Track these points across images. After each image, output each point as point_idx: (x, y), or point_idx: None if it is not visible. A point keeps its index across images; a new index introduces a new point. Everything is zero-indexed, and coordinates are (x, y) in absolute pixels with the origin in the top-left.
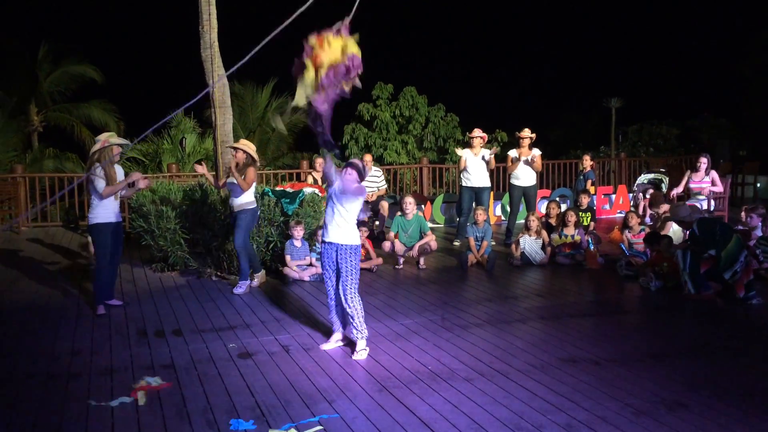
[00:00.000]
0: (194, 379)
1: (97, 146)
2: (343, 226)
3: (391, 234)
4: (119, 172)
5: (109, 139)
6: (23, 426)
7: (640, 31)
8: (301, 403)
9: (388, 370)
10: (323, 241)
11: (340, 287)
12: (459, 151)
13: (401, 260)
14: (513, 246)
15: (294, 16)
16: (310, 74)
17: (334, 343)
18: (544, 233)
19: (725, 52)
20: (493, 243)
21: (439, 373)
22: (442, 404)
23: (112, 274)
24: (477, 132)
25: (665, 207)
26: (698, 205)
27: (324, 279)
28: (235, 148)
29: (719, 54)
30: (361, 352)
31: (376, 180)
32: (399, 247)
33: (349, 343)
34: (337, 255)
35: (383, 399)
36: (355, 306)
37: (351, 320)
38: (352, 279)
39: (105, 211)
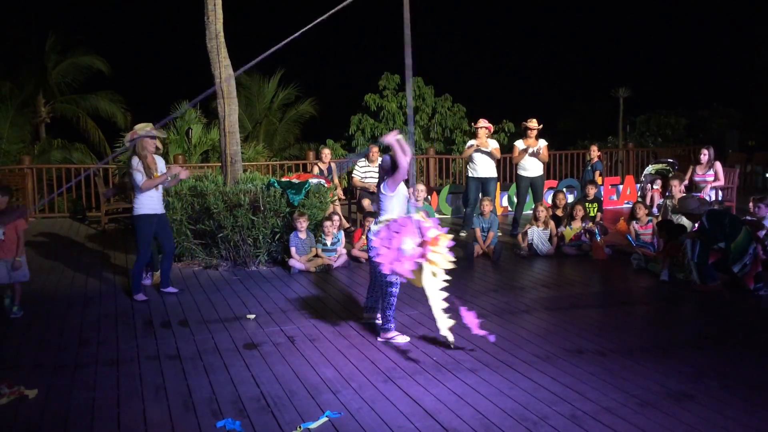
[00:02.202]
0: (200, 370)
1: (127, 138)
2: None
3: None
4: (160, 163)
5: (138, 131)
6: (30, 416)
7: (650, 20)
8: (306, 394)
9: (392, 360)
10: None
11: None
12: (471, 142)
13: None
14: (519, 237)
15: (328, 14)
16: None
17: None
18: (552, 224)
19: (735, 42)
20: (500, 234)
21: (444, 363)
22: (447, 395)
23: (168, 264)
24: (482, 122)
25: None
26: (706, 197)
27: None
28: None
29: (729, 43)
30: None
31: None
32: None
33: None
34: None
35: (388, 389)
36: None
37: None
38: None
39: (150, 201)
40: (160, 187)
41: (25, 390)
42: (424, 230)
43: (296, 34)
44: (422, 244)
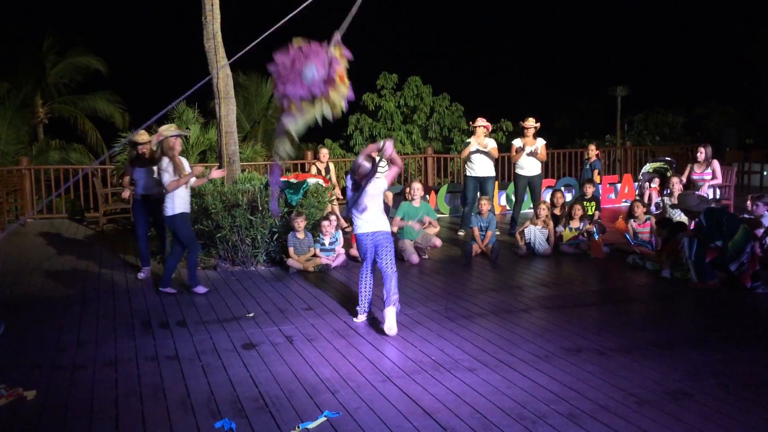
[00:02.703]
0: (198, 370)
1: (154, 139)
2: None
3: (397, 219)
4: (184, 163)
5: (163, 132)
6: (29, 416)
7: (647, 18)
8: (305, 394)
9: (391, 360)
10: (362, 233)
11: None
12: (470, 140)
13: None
14: (518, 235)
15: (301, 7)
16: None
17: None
18: (551, 223)
19: (733, 40)
20: (498, 233)
21: (443, 363)
22: (445, 394)
23: (174, 265)
24: (480, 121)
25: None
26: (705, 194)
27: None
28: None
29: (727, 41)
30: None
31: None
32: (411, 257)
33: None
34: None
35: (386, 389)
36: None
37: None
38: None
39: (181, 201)
40: (188, 185)
41: (23, 391)
42: (334, 65)
43: (283, 21)
44: (327, 80)
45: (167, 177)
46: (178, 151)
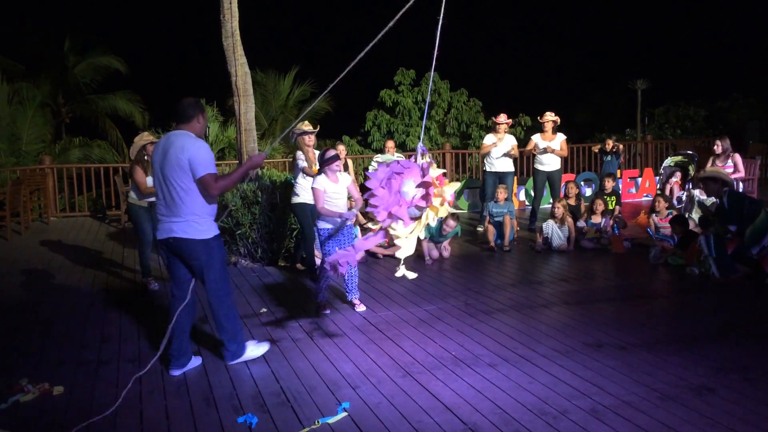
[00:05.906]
0: (220, 366)
1: (293, 136)
2: None
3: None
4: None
5: (295, 131)
6: (55, 410)
7: (667, 10)
8: (326, 389)
9: (411, 355)
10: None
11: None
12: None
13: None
14: (537, 231)
15: (393, 21)
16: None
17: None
18: (570, 220)
19: (755, 32)
20: (518, 229)
21: (463, 358)
22: (466, 389)
23: (310, 248)
24: (502, 117)
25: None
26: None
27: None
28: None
29: (749, 33)
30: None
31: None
32: (431, 252)
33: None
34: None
35: (407, 384)
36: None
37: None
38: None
39: (306, 192)
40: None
41: (50, 387)
42: (427, 171)
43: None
44: (425, 186)
45: (303, 163)
46: (309, 145)
